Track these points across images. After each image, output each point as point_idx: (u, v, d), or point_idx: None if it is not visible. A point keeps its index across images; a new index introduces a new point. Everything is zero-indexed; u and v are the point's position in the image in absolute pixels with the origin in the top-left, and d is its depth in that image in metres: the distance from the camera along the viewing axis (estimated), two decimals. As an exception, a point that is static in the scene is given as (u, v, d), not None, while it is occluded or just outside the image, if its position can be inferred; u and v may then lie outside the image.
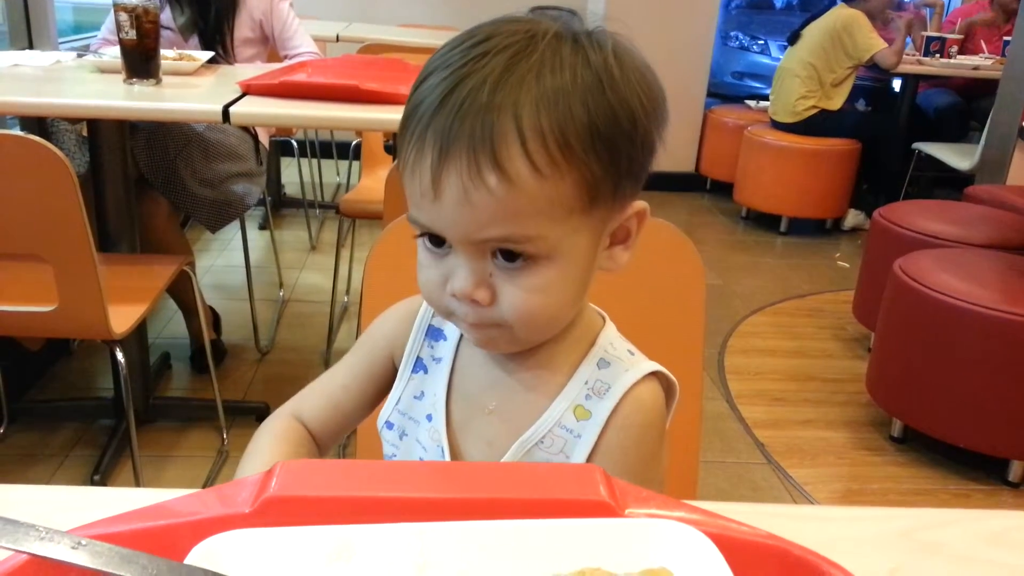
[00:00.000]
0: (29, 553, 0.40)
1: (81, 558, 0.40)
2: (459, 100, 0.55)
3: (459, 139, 0.55)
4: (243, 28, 2.52)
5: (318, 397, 0.76)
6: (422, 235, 0.61)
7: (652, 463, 0.68)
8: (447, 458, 0.69)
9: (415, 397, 0.73)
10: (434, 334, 0.74)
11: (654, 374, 0.68)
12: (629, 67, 0.59)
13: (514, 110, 0.54)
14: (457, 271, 0.60)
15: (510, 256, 0.59)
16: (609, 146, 0.57)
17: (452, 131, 0.55)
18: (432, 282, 0.62)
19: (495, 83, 0.55)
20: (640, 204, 0.65)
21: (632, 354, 0.70)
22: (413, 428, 0.72)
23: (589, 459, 0.66)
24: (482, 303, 0.60)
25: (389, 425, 0.74)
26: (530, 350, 0.68)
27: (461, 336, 0.72)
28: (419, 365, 0.73)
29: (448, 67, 0.57)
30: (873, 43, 3.99)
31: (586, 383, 0.68)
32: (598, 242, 0.63)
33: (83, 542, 0.41)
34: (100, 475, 1.94)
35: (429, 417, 0.71)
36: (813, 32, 4.11)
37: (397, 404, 0.74)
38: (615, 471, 0.66)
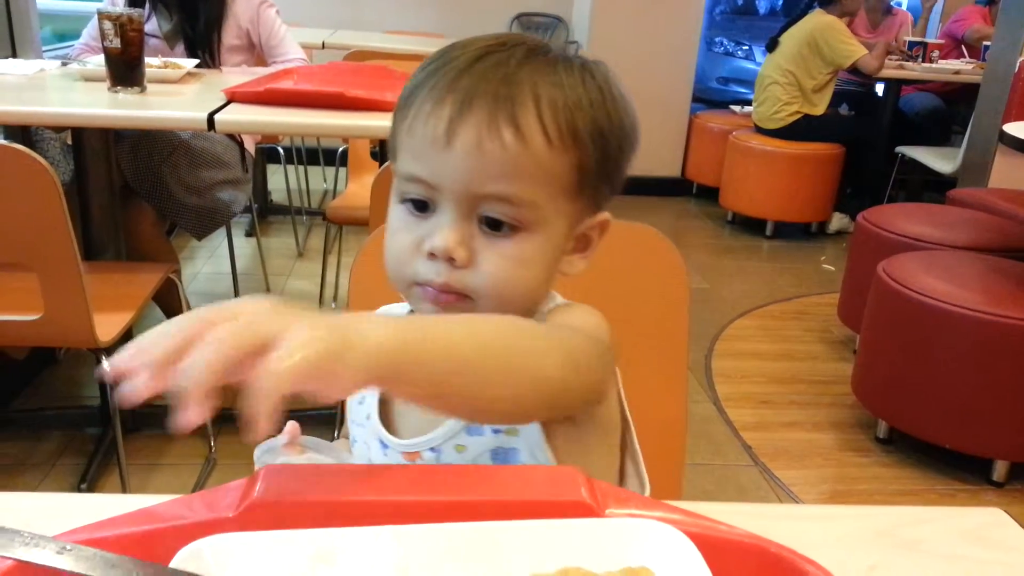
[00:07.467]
0: (14, 558, 0.40)
1: (66, 563, 0.40)
2: (485, 68, 0.61)
3: (482, 96, 0.60)
4: (230, 36, 2.52)
5: None
6: (405, 201, 0.63)
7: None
8: (387, 448, 0.68)
9: (358, 403, 0.73)
10: None
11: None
12: (621, 93, 0.66)
13: (533, 86, 0.61)
14: (439, 229, 0.61)
15: (496, 224, 0.61)
16: (605, 144, 0.63)
17: (476, 89, 0.60)
18: (405, 246, 0.63)
19: (519, 61, 0.61)
20: (606, 214, 0.68)
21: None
22: (361, 433, 0.72)
23: None
24: (458, 262, 0.61)
25: (353, 441, 0.74)
26: None
27: None
28: None
29: (466, 50, 0.62)
30: (851, 50, 3.98)
31: None
32: (570, 236, 0.66)
33: (68, 547, 0.41)
34: (87, 484, 1.93)
35: (368, 416, 0.71)
36: (790, 39, 4.11)
37: (349, 414, 0.74)
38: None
